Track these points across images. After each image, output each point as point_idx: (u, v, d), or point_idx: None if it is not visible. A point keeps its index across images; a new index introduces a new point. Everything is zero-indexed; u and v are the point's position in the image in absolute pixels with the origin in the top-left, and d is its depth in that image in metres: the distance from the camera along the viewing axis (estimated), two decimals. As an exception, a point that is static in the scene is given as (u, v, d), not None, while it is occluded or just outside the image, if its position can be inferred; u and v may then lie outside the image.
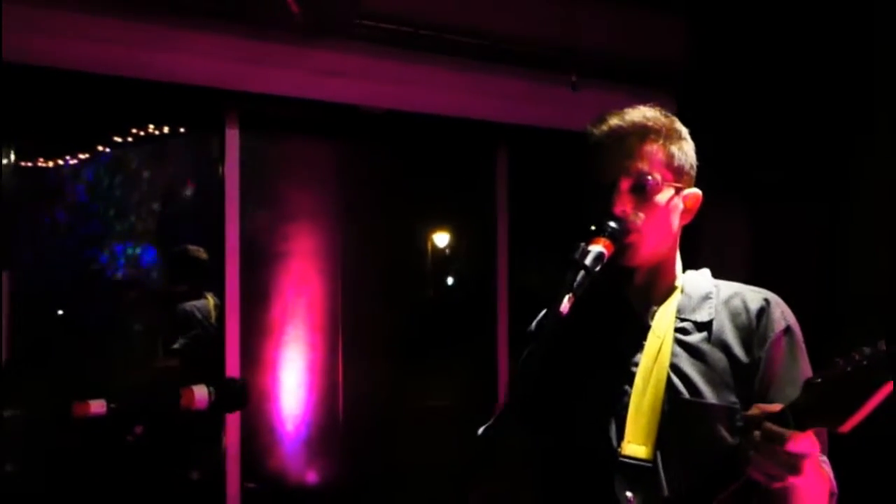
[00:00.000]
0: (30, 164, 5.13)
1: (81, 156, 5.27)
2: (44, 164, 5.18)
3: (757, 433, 1.87)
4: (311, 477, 5.27)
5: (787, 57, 4.84)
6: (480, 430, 1.98)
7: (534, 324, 2.16)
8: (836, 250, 4.91)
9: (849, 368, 1.83)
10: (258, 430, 5.00)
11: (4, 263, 4.27)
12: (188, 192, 5.49)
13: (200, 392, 2.19)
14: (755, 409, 1.93)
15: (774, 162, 4.91)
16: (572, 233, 2.02)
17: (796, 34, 4.81)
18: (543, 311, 2.00)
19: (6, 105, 3.97)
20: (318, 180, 5.25)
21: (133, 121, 5.04)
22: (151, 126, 5.07)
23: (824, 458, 2.05)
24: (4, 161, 4.91)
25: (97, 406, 2.08)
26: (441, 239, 5.84)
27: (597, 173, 2.13)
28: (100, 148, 5.27)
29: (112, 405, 2.10)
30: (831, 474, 2.05)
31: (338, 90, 4.55)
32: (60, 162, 5.22)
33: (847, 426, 1.85)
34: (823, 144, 4.87)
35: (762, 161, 4.93)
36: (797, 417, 1.88)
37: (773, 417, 1.90)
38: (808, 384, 1.88)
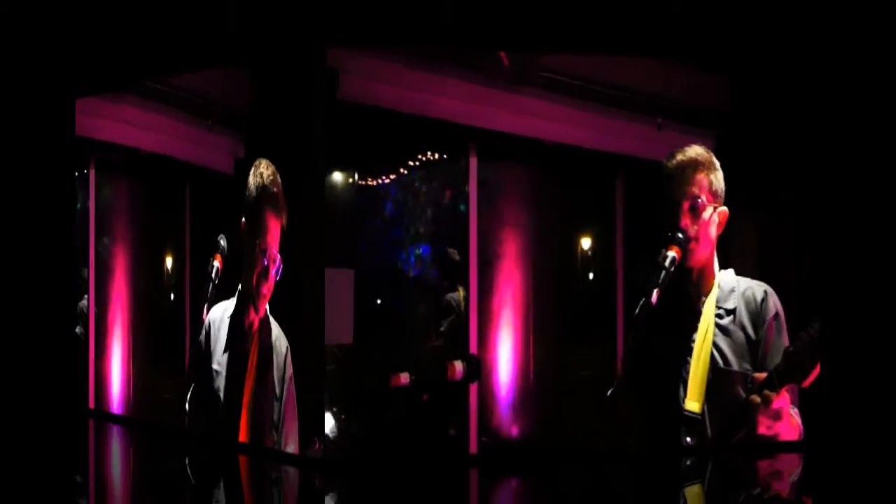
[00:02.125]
0: (364, 182, 5.97)
1: (392, 176, 6.05)
2: (371, 183, 6.02)
3: (756, 398, 2.07)
4: (515, 430, 5.62)
5: (808, 99, 5.20)
6: (608, 393, 2.25)
7: (637, 311, 2.25)
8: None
9: (806, 340, 2.09)
10: (485, 395, 5.43)
11: (353, 263, 4.93)
12: (450, 205, 6.11)
13: (460, 366, 2.22)
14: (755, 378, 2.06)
15: (788, 184, 5.13)
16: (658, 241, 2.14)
17: (817, 77, 5.22)
18: (642, 301, 2.16)
19: (350, 136, 4.96)
20: (520, 200, 5.84)
21: (419, 149, 5.89)
22: (429, 153, 5.85)
23: (795, 409, 2.34)
24: (350, 181, 5.94)
25: (405, 378, 2.10)
26: (584, 244, 6.02)
27: (669, 195, 2.33)
28: (401, 170, 6.04)
29: (413, 377, 2.26)
30: (800, 421, 2.34)
31: (531, 127, 5.44)
32: (379, 181, 6.05)
33: (807, 382, 2.12)
34: (835, 172, 5.12)
35: (778, 183, 5.15)
36: (779, 378, 2.12)
37: (764, 382, 2.14)
38: (786, 352, 2.17)
